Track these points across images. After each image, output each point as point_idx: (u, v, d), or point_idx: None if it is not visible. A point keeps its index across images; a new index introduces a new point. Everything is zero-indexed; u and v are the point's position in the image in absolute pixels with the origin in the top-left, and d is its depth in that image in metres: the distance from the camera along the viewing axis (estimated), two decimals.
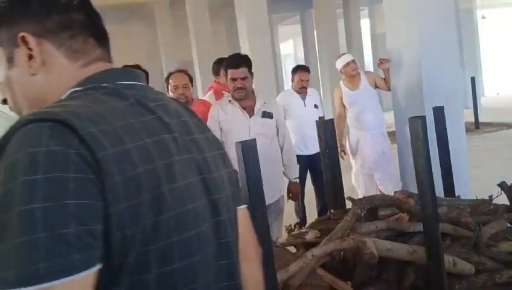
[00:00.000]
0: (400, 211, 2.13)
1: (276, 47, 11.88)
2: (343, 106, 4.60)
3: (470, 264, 1.97)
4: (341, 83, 4.74)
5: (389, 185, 4.22)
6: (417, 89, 3.71)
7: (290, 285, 1.68)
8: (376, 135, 4.47)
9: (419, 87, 3.67)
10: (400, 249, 1.86)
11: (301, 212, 4.48)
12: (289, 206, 4.25)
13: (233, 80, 3.04)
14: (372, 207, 2.14)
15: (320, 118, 4.28)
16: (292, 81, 4.63)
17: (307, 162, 4.36)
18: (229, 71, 3.05)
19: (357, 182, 4.80)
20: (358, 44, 11.87)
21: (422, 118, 1.82)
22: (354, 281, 1.90)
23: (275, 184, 3.13)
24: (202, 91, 8.59)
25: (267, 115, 3.11)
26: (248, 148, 1.56)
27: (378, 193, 4.34)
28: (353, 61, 4.61)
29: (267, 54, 6.76)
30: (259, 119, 3.10)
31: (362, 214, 2.05)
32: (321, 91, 10.34)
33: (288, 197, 3.40)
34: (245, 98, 3.09)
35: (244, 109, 3.10)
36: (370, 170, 4.68)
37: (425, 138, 1.80)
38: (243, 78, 3.03)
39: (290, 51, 17.46)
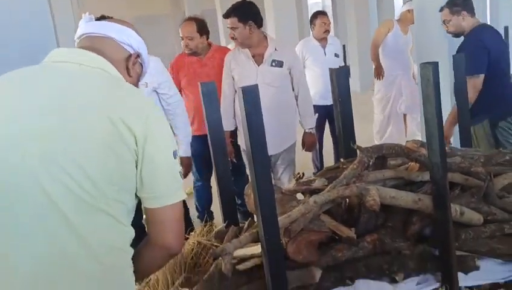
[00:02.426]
0: (409, 160, 2.09)
1: None
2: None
3: (479, 214, 1.94)
4: (395, 20, 4.77)
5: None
6: (438, 37, 3.59)
7: (291, 230, 1.69)
8: (411, 77, 4.54)
9: (441, 34, 3.55)
10: (404, 197, 1.84)
11: (319, 162, 4.49)
12: (307, 157, 4.26)
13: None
14: (382, 156, 2.12)
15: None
16: (312, 29, 4.54)
17: (325, 112, 4.34)
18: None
19: (381, 127, 4.80)
20: None
21: (434, 64, 1.75)
22: (358, 228, 1.91)
23: (283, 134, 3.12)
24: (225, 40, 8.49)
25: (276, 63, 3.06)
26: (250, 94, 1.54)
27: (404, 138, 4.38)
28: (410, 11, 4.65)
29: (289, 2, 6.58)
30: (267, 67, 3.06)
31: (370, 162, 2.03)
32: (347, 40, 10.07)
33: (303, 148, 3.40)
34: (252, 47, 3.05)
35: (254, 57, 3.06)
36: (407, 109, 4.74)
37: (436, 84, 1.74)
38: (233, 28, 3.00)
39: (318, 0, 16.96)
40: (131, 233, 1.17)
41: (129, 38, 1.26)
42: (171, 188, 1.17)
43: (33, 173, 1.03)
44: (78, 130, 1.06)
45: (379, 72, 4.72)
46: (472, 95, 3.02)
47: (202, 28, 3.46)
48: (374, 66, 4.70)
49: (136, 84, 1.32)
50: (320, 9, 17.59)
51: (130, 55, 1.27)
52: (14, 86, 1.13)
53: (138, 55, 1.30)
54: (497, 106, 3.18)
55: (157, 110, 1.19)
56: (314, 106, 4.28)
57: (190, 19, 3.56)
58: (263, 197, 1.60)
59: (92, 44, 1.22)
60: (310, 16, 4.60)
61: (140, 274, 1.28)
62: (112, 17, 1.54)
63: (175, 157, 1.18)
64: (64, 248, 1.04)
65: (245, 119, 1.54)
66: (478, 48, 3.11)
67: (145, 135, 1.10)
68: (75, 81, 1.14)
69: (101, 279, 1.08)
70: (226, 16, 3.06)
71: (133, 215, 1.20)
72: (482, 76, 3.08)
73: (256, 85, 1.56)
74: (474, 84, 3.06)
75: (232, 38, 3.08)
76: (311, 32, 4.57)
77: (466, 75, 2.61)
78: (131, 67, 1.28)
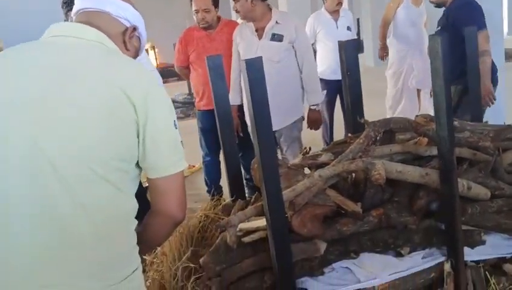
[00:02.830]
0: (417, 134, 2.07)
1: None
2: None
3: (486, 189, 1.93)
4: None
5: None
6: None
7: (295, 203, 1.70)
8: (425, 51, 4.45)
9: None
10: (411, 172, 1.83)
11: (329, 138, 4.47)
12: (317, 132, 4.23)
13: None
14: (390, 130, 2.10)
15: None
16: (325, 1, 4.47)
17: (336, 87, 4.28)
18: None
19: (393, 102, 4.75)
20: None
21: (443, 36, 1.71)
22: (364, 202, 1.91)
23: (286, 110, 3.07)
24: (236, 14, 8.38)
25: (275, 37, 2.99)
26: (253, 66, 1.53)
27: (417, 112, 4.34)
28: None
29: None
30: (266, 42, 3.00)
31: (377, 137, 2.02)
32: (361, 14, 9.89)
33: (308, 126, 3.34)
34: (256, 21, 3.00)
35: (257, 31, 3.01)
36: (418, 84, 4.68)
37: (445, 57, 1.71)
38: (235, 1, 2.96)
39: None
40: (133, 203, 1.18)
41: (125, 12, 1.27)
42: (172, 158, 1.18)
43: (32, 136, 1.04)
44: (77, 97, 1.07)
45: (382, 53, 4.68)
46: (487, 46, 3.12)
47: (215, 0, 3.41)
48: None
49: (135, 58, 1.33)
50: None
51: (127, 29, 1.28)
52: (13, 59, 1.15)
53: (135, 29, 1.30)
54: None
55: (155, 80, 1.19)
56: (325, 80, 4.24)
57: None
58: (267, 170, 1.60)
59: (88, 19, 1.23)
60: None
61: (147, 245, 1.30)
62: None
63: (176, 127, 1.19)
64: (58, 209, 1.05)
65: (248, 92, 1.54)
66: (477, 6, 3.21)
67: (145, 105, 1.11)
68: (74, 52, 1.15)
69: (99, 246, 1.09)
70: None
71: (137, 185, 1.21)
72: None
73: (260, 57, 1.54)
74: (487, 35, 3.14)
75: (237, 11, 3.04)
76: (323, 5, 4.50)
77: (478, 29, 2.74)
78: (128, 40, 1.29)
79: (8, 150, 1.05)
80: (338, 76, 4.16)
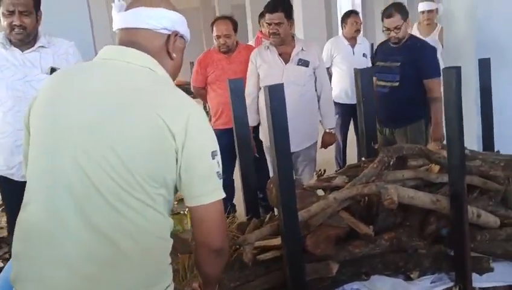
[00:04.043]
0: (430, 162, 2.14)
1: None
2: None
3: (496, 217, 1.98)
4: (416, 25, 4.76)
5: None
6: (469, 40, 3.57)
7: (310, 224, 1.77)
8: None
9: (472, 38, 3.53)
10: (422, 198, 1.89)
11: (341, 159, 4.54)
12: (330, 154, 4.30)
13: (269, 24, 3.06)
14: (402, 156, 2.17)
15: None
16: (344, 27, 4.58)
17: (350, 111, 4.37)
18: (266, 15, 3.08)
19: None
20: None
21: (457, 69, 1.79)
22: (377, 225, 1.97)
23: (305, 132, 3.18)
24: (253, 36, 8.55)
25: (302, 62, 3.12)
26: (276, 92, 1.61)
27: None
28: (436, 10, 4.61)
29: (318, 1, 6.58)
30: (293, 66, 3.12)
31: (390, 162, 2.08)
32: (375, 39, 10.01)
33: (321, 146, 3.45)
34: (282, 44, 3.10)
35: (280, 55, 3.12)
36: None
37: (458, 89, 1.78)
38: (277, 24, 3.04)
39: None
40: (169, 223, 1.24)
41: (161, 21, 1.26)
42: (206, 188, 1.19)
43: (76, 159, 1.13)
44: (124, 124, 1.13)
45: None
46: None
47: (235, 26, 3.60)
48: None
49: (181, 62, 1.34)
50: (350, 7, 17.51)
51: (169, 37, 1.28)
52: (70, 80, 1.23)
53: (176, 34, 1.30)
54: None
55: (198, 110, 1.22)
56: (340, 104, 4.34)
57: (224, 17, 3.68)
58: (285, 192, 1.68)
59: (131, 39, 1.25)
60: (339, 13, 4.64)
61: (203, 277, 1.34)
62: None
63: (213, 158, 1.19)
64: (110, 232, 1.13)
65: (270, 117, 1.62)
66: (435, 53, 3.37)
67: (184, 134, 1.15)
68: (124, 78, 1.20)
69: (145, 262, 1.17)
70: (273, 9, 3.04)
71: (171, 206, 1.26)
72: None
73: (282, 84, 1.63)
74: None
75: (274, 33, 3.08)
76: (340, 31, 4.61)
77: (434, 77, 3.13)
78: (171, 49, 1.29)
79: (56, 174, 1.14)
80: (352, 100, 4.25)
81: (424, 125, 3.36)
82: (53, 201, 1.14)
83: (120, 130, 1.13)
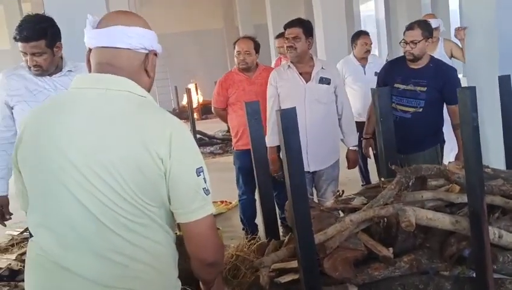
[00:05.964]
0: (449, 182, 2.11)
1: (356, 6, 11.44)
2: None
3: None
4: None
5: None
6: (490, 56, 3.54)
7: (326, 246, 1.76)
8: None
9: (493, 54, 3.49)
10: (441, 219, 1.86)
11: (365, 177, 4.51)
12: (352, 172, 4.27)
13: (287, 39, 3.10)
14: (421, 177, 2.15)
15: None
16: (354, 48, 4.59)
17: (360, 129, 4.35)
18: (285, 31, 3.13)
19: None
20: (444, 5, 11.17)
21: (472, 89, 1.78)
22: (396, 247, 1.95)
23: (328, 150, 3.18)
24: (275, 56, 8.63)
25: (324, 80, 3.14)
26: (287, 116, 1.63)
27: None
28: (437, 28, 4.53)
29: (340, 16, 6.60)
30: (315, 85, 3.14)
31: (410, 183, 2.07)
32: (392, 55, 9.93)
33: (348, 166, 3.44)
34: (300, 61, 3.12)
35: (301, 74, 3.14)
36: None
37: (474, 109, 1.77)
38: (294, 38, 3.07)
39: (371, 12, 16.81)
40: (171, 233, 1.26)
41: (141, 41, 1.25)
42: (192, 205, 1.20)
43: (73, 195, 1.17)
44: (113, 157, 1.16)
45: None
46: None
47: (257, 46, 3.65)
48: None
49: (153, 79, 1.33)
50: (374, 25, 17.50)
51: (146, 56, 1.27)
52: (52, 119, 1.24)
53: (155, 52, 1.30)
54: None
55: (179, 128, 1.22)
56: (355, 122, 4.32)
57: (247, 37, 3.75)
58: (300, 215, 1.68)
59: (110, 60, 1.23)
60: (363, 28, 4.62)
61: (201, 280, 1.37)
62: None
63: (198, 175, 1.20)
64: (124, 251, 1.18)
65: (282, 141, 1.64)
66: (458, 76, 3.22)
67: (169, 156, 1.17)
68: (105, 107, 1.21)
69: (158, 277, 1.21)
70: (291, 25, 3.10)
71: (174, 218, 1.27)
72: None
73: (294, 108, 1.65)
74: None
75: (290, 46, 3.11)
76: (352, 51, 4.62)
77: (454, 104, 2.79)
78: (149, 68, 1.29)
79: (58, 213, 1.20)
80: (362, 118, 4.23)
81: (440, 148, 3.28)
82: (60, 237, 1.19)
83: (110, 164, 1.16)
